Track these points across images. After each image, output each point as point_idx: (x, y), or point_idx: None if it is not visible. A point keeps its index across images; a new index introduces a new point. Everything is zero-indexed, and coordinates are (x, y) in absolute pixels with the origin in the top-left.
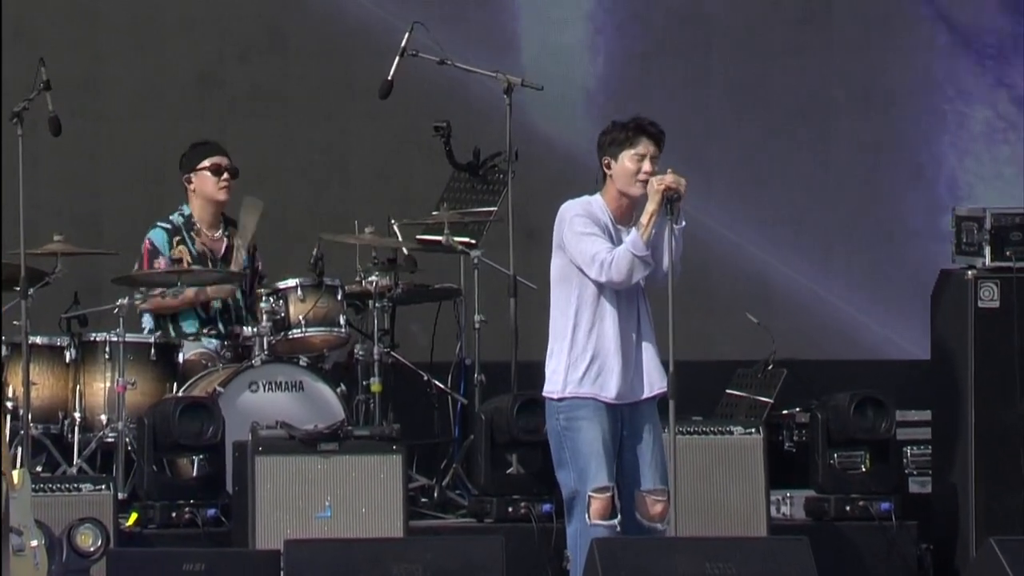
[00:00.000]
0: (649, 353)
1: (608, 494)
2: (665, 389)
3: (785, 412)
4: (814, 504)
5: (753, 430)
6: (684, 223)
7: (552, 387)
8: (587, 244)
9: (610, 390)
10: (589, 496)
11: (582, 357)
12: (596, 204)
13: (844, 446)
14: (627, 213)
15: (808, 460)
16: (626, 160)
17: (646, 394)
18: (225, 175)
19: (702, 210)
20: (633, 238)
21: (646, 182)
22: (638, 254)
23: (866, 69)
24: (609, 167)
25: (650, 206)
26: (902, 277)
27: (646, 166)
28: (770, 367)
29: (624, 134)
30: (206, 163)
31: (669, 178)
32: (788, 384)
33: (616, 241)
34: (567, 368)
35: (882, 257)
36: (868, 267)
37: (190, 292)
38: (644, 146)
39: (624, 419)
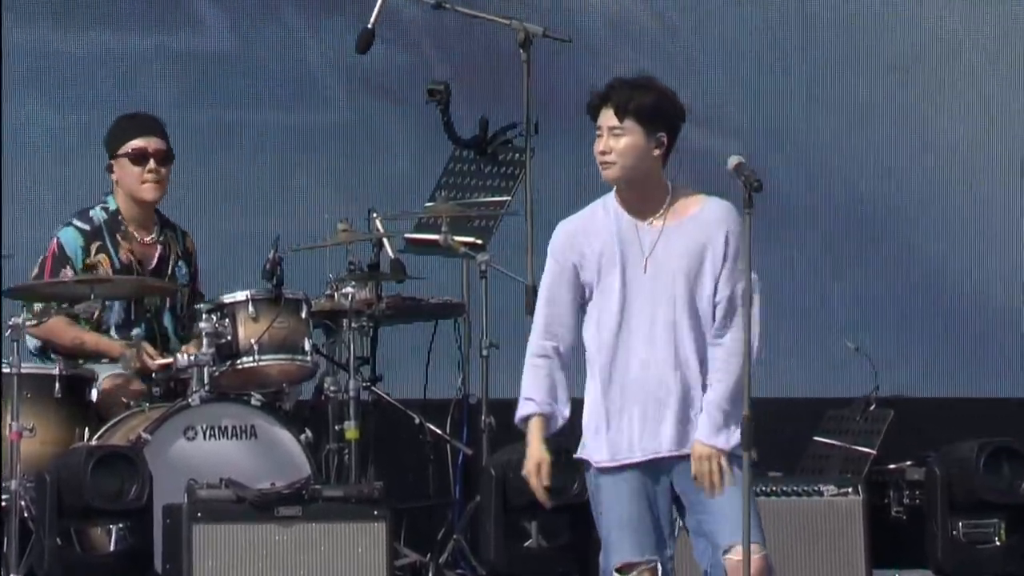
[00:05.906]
0: (701, 390)
1: (633, 573)
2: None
3: (892, 467)
4: None
5: (850, 490)
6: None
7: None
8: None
9: (633, 450)
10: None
11: (595, 410)
12: (599, 214)
13: (971, 512)
14: (641, 202)
15: (924, 530)
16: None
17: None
18: (151, 164)
19: None
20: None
21: (608, 163)
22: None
23: None
24: None
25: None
26: None
27: (598, 145)
28: (872, 407)
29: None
30: (127, 148)
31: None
32: (896, 429)
33: (627, 246)
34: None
35: (1017, 263)
36: (997, 275)
37: (90, 338)
38: (601, 117)
39: (676, 472)
